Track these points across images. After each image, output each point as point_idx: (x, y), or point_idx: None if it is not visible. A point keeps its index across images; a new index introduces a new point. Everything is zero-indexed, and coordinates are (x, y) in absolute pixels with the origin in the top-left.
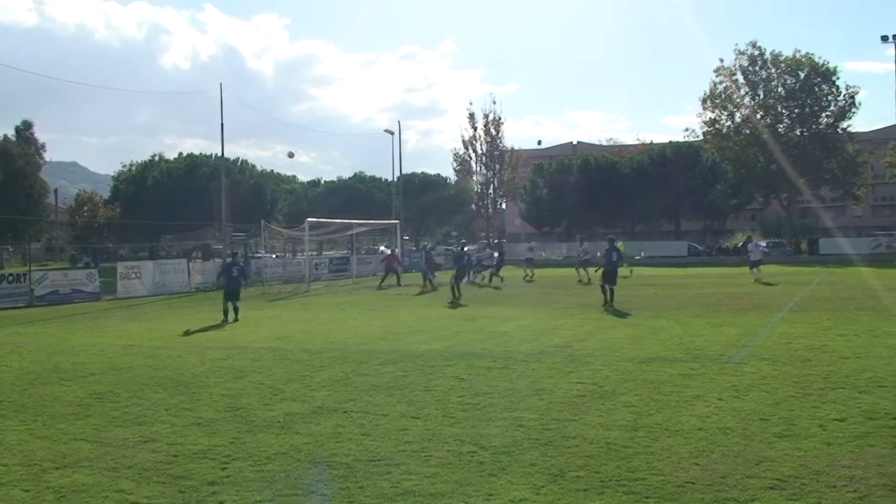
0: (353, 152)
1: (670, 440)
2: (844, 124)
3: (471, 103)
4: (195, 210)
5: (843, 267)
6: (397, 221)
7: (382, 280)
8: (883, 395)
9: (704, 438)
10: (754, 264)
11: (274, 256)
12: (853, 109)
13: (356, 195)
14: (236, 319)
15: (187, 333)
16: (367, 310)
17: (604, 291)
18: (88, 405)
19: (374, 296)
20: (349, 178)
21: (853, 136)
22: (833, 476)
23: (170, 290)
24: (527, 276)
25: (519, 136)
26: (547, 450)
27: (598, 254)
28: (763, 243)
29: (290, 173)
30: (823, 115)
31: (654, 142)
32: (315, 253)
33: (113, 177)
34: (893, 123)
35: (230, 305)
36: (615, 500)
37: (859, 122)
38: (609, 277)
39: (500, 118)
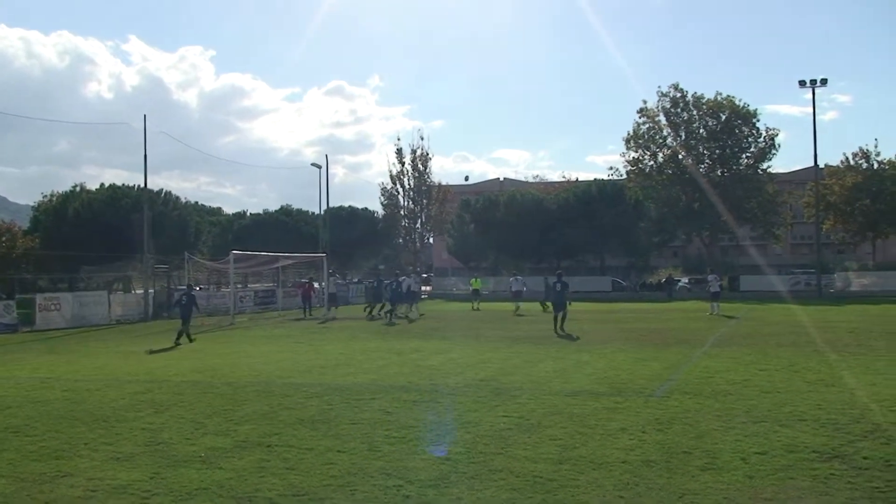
0: (280, 185)
1: (595, 473)
2: (764, 165)
3: (399, 138)
4: (117, 242)
5: (763, 303)
6: (324, 255)
7: (307, 310)
8: (803, 429)
9: (629, 471)
10: (714, 296)
11: (198, 289)
12: (773, 151)
13: (283, 228)
14: (190, 341)
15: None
16: (292, 343)
17: (555, 320)
18: (4, 439)
19: (299, 329)
20: (276, 210)
21: (773, 177)
22: None
23: (90, 323)
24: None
25: (446, 171)
26: (473, 483)
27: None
28: (685, 280)
29: (215, 205)
30: (744, 156)
31: (580, 179)
32: (240, 286)
33: (33, 207)
34: (811, 165)
35: (183, 329)
36: None
37: (779, 164)
38: (557, 307)
39: (427, 153)
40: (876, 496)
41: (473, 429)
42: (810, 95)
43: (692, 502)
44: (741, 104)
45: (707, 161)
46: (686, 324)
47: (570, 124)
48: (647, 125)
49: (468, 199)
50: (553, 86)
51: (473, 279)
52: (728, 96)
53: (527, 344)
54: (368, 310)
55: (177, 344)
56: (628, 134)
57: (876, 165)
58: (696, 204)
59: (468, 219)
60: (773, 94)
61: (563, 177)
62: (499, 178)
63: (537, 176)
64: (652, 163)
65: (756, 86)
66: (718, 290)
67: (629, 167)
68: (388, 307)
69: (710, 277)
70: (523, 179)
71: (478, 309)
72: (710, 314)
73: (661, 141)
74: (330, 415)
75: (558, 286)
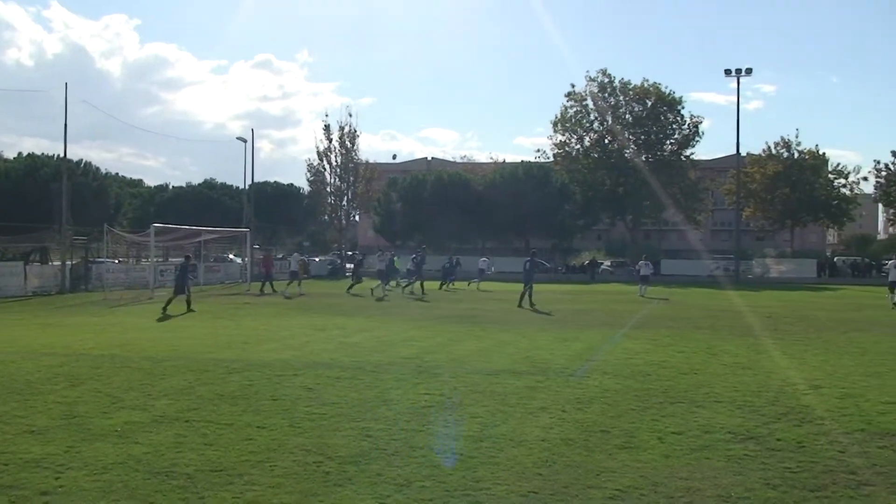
0: (204, 159)
1: (515, 451)
2: (688, 152)
3: (327, 115)
4: (35, 212)
5: (683, 287)
6: (248, 230)
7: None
8: (719, 410)
9: (548, 449)
10: (644, 279)
11: (117, 262)
12: (696, 138)
13: (206, 202)
14: (190, 310)
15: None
16: (213, 318)
17: (521, 296)
18: None
19: (221, 304)
20: (199, 184)
21: (696, 164)
22: (671, 487)
23: (5, 294)
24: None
25: (374, 149)
26: (393, 459)
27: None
28: (608, 263)
29: (136, 177)
30: (668, 142)
31: (507, 161)
32: (161, 259)
33: None
34: (734, 153)
35: (177, 299)
36: None
37: (702, 151)
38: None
39: (355, 131)
40: (788, 477)
41: (395, 406)
42: (735, 84)
43: (609, 480)
44: (667, 91)
45: (632, 146)
46: (608, 305)
47: (499, 106)
48: (574, 109)
49: (395, 178)
50: (483, 67)
51: (395, 258)
52: (654, 83)
53: (450, 323)
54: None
55: (189, 310)
56: (556, 117)
57: (796, 155)
58: (621, 188)
59: (395, 197)
60: (699, 82)
61: (491, 158)
62: (426, 158)
63: (465, 156)
64: (578, 146)
65: (683, 74)
66: (648, 274)
67: (556, 150)
68: (404, 282)
69: (641, 263)
70: (451, 159)
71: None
72: (640, 295)
73: (587, 125)
74: (250, 391)
75: (527, 265)
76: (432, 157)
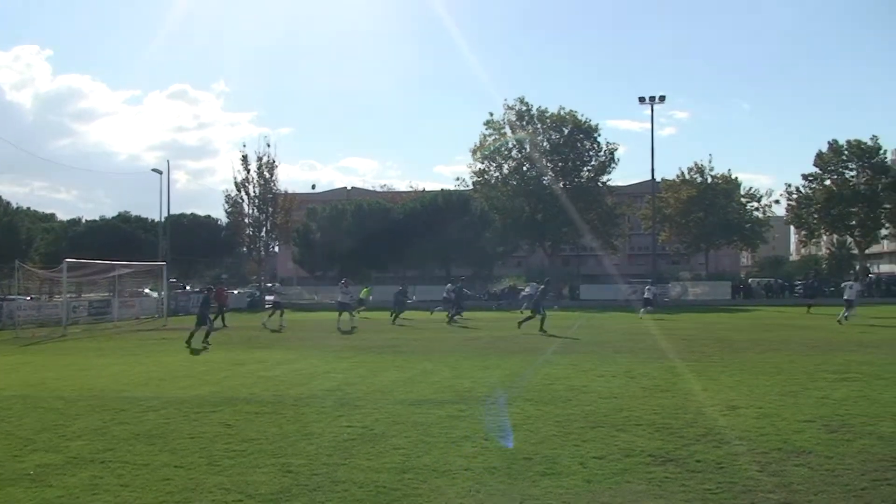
0: (119, 191)
1: (438, 481)
2: (604, 178)
3: (244, 145)
4: None
5: (602, 311)
6: (164, 263)
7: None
8: (639, 433)
9: (471, 478)
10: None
11: (28, 298)
12: (612, 164)
13: (121, 236)
14: (205, 342)
15: None
16: (128, 354)
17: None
18: None
19: (137, 340)
20: (113, 217)
21: (612, 190)
22: None
23: None
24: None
25: (293, 179)
26: (315, 495)
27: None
28: (527, 289)
29: (49, 211)
30: (585, 168)
31: (427, 189)
32: (74, 295)
33: None
34: (649, 179)
35: (199, 331)
36: None
37: (618, 177)
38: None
39: (273, 161)
40: (708, 497)
41: (316, 440)
42: (649, 111)
43: None
44: (583, 119)
45: (550, 173)
46: (529, 331)
47: (418, 134)
48: (493, 137)
49: (315, 208)
50: (402, 95)
51: (365, 289)
52: (571, 111)
53: (371, 353)
54: (394, 316)
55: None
56: (475, 145)
57: (710, 180)
58: (539, 215)
59: (314, 227)
60: (614, 109)
61: (411, 186)
62: (346, 187)
63: (385, 185)
64: (497, 174)
65: (598, 101)
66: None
67: (475, 178)
68: (453, 311)
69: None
70: (371, 188)
71: (356, 316)
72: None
73: (506, 153)
74: (167, 429)
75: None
76: (352, 187)
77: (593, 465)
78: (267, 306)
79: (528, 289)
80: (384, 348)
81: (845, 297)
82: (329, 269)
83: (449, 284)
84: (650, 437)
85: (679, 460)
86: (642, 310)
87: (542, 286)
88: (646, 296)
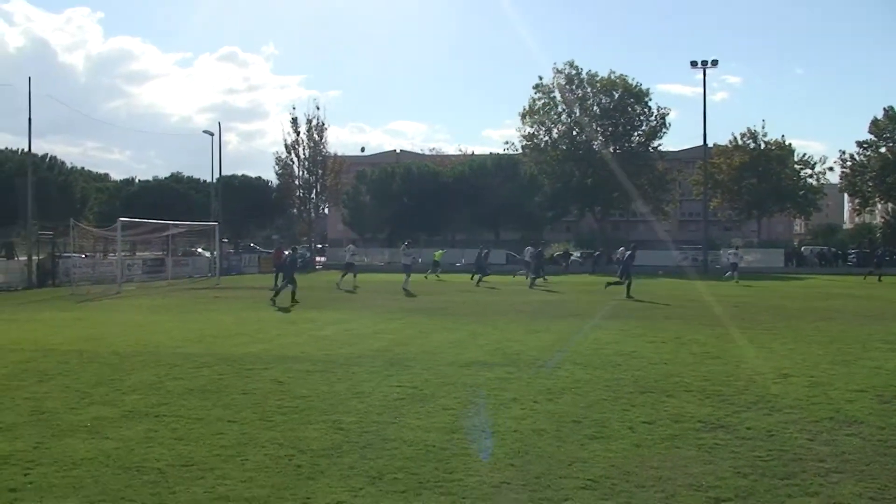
0: (171, 152)
1: (487, 442)
2: (655, 143)
3: (294, 107)
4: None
5: (652, 278)
6: (216, 224)
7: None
8: (688, 399)
9: (519, 440)
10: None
11: (84, 256)
12: (663, 129)
13: (173, 196)
14: (294, 301)
15: None
16: (182, 312)
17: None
18: None
19: (190, 298)
20: (166, 178)
21: (663, 155)
22: (642, 476)
23: None
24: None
25: (342, 142)
26: (366, 452)
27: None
28: (577, 254)
29: (102, 171)
30: (636, 133)
31: (476, 153)
32: (128, 254)
33: None
34: (701, 144)
35: (289, 288)
36: (432, 500)
37: (669, 142)
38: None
39: (323, 123)
40: (758, 465)
41: (366, 399)
42: (701, 76)
43: (581, 470)
44: (634, 83)
45: (600, 138)
46: (579, 296)
47: (467, 98)
48: (542, 101)
49: (364, 171)
50: (451, 58)
51: (437, 252)
52: (621, 75)
53: (422, 315)
54: (477, 279)
55: (294, 302)
56: (524, 109)
57: (763, 146)
58: (589, 180)
59: (364, 190)
60: (666, 73)
61: (460, 150)
62: (395, 150)
63: (434, 149)
64: (546, 138)
65: (649, 66)
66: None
67: (524, 142)
68: (530, 276)
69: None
70: (420, 152)
71: (439, 279)
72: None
73: (555, 117)
74: (220, 384)
75: (626, 255)
76: (401, 150)
77: (642, 429)
78: (318, 267)
79: (527, 253)
80: (434, 310)
81: None
82: (378, 232)
83: (529, 248)
84: (700, 403)
85: (729, 427)
86: (734, 273)
87: (630, 251)
88: (732, 261)
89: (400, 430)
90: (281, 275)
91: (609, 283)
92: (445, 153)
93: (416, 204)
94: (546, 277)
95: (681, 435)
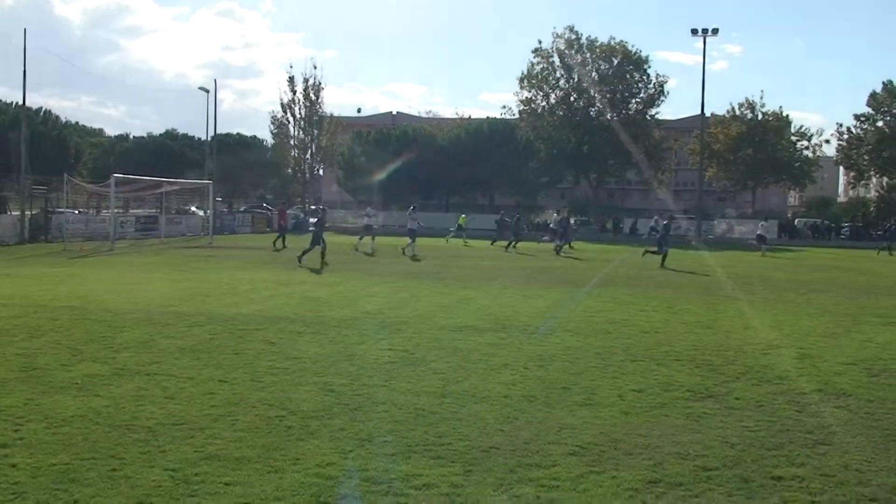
0: (165, 109)
1: (477, 407)
2: (653, 111)
3: (291, 66)
4: None
5: (645, 246)
6: (210, 182)
7: (277, 239)
8: (678, 368)
9: (510, 405)
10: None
11: (77, 212)
12: (662, 97)
13: (167, 153)
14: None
15: None
16: (174, 271)
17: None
18: None
19: (183, 257)
20: (160, 134)
21: (660, 123)
22: (630, 444)
23: None
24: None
25: (339, 102)
26: (356, 415)
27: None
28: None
29: (96, 126)
30: (634, 101)
31: (472, 117)
32: (121, 211)
33: None
34: (699, 113)
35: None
36: (422, 464)
37: (667, 111)
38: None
39: (320, 83)
40: (746, 435)
41: (358, 361)
42: (701, 44)
43: (570, 436)
44: (633, 50)
45: (598, 105)
46: (572, 263)
47: (465, 61)
48: (541, 66)
49: (360, 132)
50: (450, 21)
51: (462, 216)
52: (621, 41)
53: (414, 279)
54: (512, 244)
55: (324, 263)
56: (522, 73)
57: (760, 116)
58: (585, 146)
59: (359, 151)
60: (666, 41)
61: (457, 113)
62: (392, 112)
63: (430, 111)
64: (544, 104)
65: (649, 32)
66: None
67: (522, 107)
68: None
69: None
70: (416, 114)
71: (466, 244)
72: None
73: (554, 82)
74: (212, 344)
75: (664, 227)
76: (397, 112)
77: (632, 397)
78: (311, 228)
79: (553, 220)
80: (427, 274)
81: None
82: (372, 194)
83: (555, 215)
84: (690, 372)
85: (718, 397)
86: (763, 246)
87: (666, 222)
88: (759, 233)
89: (390, 393)
90: (282, 237)
91: (647, 251)
92: (442, 116)
93: (411, 167)
94: (572, 244)
95: (669, 403)
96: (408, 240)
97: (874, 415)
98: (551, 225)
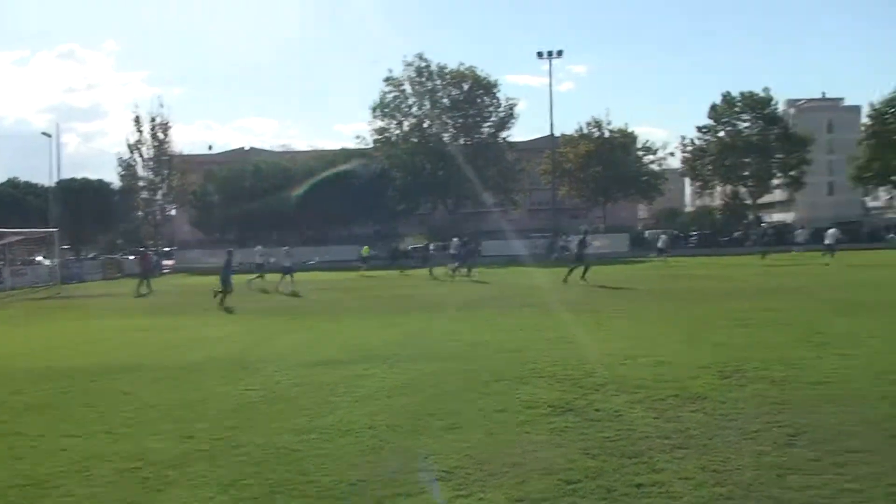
0: (6, 156)
1: (342, 440)
2: (504, 134)
3: (137, 106)
4: None
5: (504, 267)
6: (56, 230)
7: (141, 284)
8: (541, 385)
9: (375, 436)
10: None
11: None
12: (512, 120)
13: (9, 202)
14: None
15: None
16: (17, 325)
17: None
18: None
19: (31, 309)
20: (1, 183)
21: (512, 146)
22: (496, 464)
23: None
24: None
25: (190, 140)
26: (216, 460)
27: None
28: (432, 246)
29: None
30: (485, 125)
31: (327, 148)
32: None
33: None
34: (548, 134)
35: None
36: None
37: (518, 133)
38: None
39: (167, 122)
40: (606, 445)
41: (217, 404)
42: (548, 66)
43: (436, 462)
44: (483, 75)
45: (451, 130)
46: (434, 289)
47: (317, 93)
48: (393, 94)
49: (212, 169)
50: (300, 53)
51: (364, 247)
52: (470, 67)
53: (274, 316)
54: (467, 270)
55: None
56: (375, 103)
57: (607, 134)
58: (441, 172)
59: (212, 189)
60: (514, 64)
61: (311, 146)
62: (244, 147)
63: (284, 145)
64: (398, 132)
65: (497, 56)
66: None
67: (376, 136)
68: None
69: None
70: (270, 149)
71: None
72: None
73: (406, 110)
74: (63, 399)
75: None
76: (250, 147)
77: (496, 417)
78: (165, 271)
79: (453, 245)
80: (287, 310)
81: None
82: (227, 232)
83: (455, 240)
84: (551, 388)
85: (578, 410)
86: (662, 255)
87: (582, 237)
88: (660, 246)
89: (252, 435)
90: (145, 280)
91: (569, 272)
92: (296, 149)
93: (267, 202)
94: (472, 270)
95: (532, 420)
96: (285, 276)
97: (728, 415)
98: (451, 250)
